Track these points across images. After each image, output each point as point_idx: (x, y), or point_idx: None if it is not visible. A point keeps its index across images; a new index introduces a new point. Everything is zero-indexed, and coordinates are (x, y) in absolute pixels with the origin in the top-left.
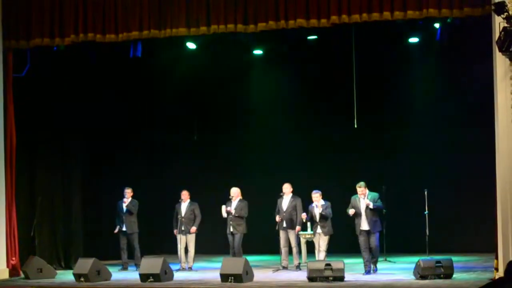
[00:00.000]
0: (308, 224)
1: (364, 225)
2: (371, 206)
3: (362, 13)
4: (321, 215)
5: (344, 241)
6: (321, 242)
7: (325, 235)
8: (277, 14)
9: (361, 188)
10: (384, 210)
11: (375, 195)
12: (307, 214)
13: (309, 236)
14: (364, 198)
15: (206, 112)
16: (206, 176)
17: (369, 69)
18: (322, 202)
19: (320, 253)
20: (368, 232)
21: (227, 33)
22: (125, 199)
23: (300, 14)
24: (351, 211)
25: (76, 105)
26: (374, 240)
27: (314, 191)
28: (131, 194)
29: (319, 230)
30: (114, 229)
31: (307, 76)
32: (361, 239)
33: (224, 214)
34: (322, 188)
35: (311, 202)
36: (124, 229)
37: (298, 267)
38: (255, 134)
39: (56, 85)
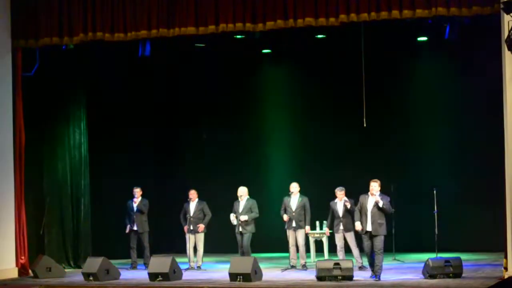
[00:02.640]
0: (317, 223)
1: (369, 226)
2: (380, 204)
3: (370, 12)
4: (346, 211)
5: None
6: (349, 239)
7: (348, 231)
8: (285, 13)
9: (376, 183)
10: (392, 210)
11: (386, 198)
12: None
13: (318, 235)
14: (374, 195)
15: (215, 111)
16: (215, 175)
17: (378, 68)
18: (345, 198)
19: (353, 250)
20: (371, 234)
21: (235, 32)
22: (135, 199)
23: (308, 13)
24: (357, 226)
25: (85, 104)
26: (378, 243)
27: (338, 188)
28: (141, 193)
29: (342, 227)
30: (125, 229)
31: (315, 75)
32: (364, 241)
33: (234, 222)
34: (331, 187)
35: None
36: (135, 228)
37: (304, 266)
38: (263, 133)
39: (65, 84)
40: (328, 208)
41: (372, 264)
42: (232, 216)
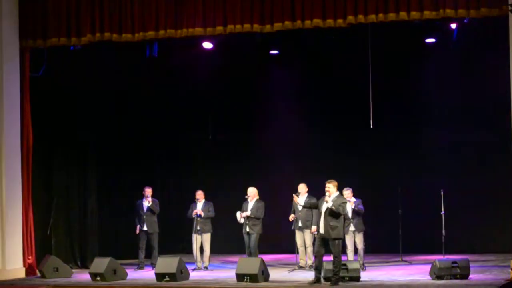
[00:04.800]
0: None
1: (321, 228)
2: (329, 205)
3: (378, 13)
4: (354, 212)
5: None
6: (357, 239)
7: (359, 232)
8: (293, 14)
9: (331, 184)
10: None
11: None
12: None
13: None
14: (328, 197)
15: (222, 112)
16: (222, 176)
17: (385, 69)
18: (353, 199)
19: (359, 250)
20: (323, 238)
21: (243, 33)
22: (148, 199)
23: (316, 14)
24: (313, 228)
25: (93, 104)
26: (334, 248)
27: (345, 188)
28: (151, 193)
29: (352, 228)
30: (135, 229)
31: (322, 77)
32: (316, 243)
33: (240, 220)
34: (339, 188)
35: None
36: (145, 228)
37: (311, 267)
38: (270, 134)
39: (72, 84)
40: None
41: (318, 268)
42: (238, 215)
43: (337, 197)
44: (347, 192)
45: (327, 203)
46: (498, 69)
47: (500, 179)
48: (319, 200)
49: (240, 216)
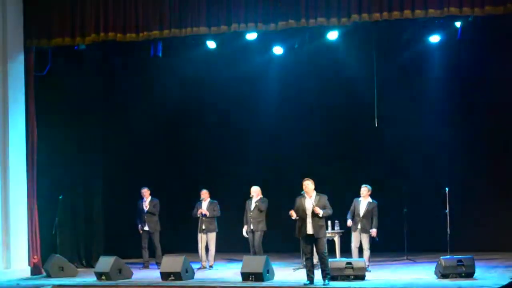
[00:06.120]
0: (329, 223)
1: (309, 229)
2: (320, 214)
3: (382, 12)
4: (367, 211)
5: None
6: (363, 240)
7: (364, 232)
8: (297, 13)
9: (309, 181)
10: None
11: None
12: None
13: (330, 234)
14: (310, 198)
15: (226, 111)
16: (226, 175)
17: (390, 68)
18: (369, 199)
19: (365, 251)
20: (312, 237)
21: (247, 32)
22: (145, 202)
23: (320, 13)
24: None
25: (97, 103)
26: (322, 247)
27: (364, 185)
28: (149, 193)
29: (359, 226)
30: (138, 229)
31: (327, 75)
32: (304, 245)
33: (245, 235)
34: (343, 187)
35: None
36: (146, 228)
37: (316, 265)
38: (275, 133)
39: (77, 84)
40: (341, 207)
41: (311, 269)
42: (244, 231)
43: (319, 196)
44: (364, 189)
45: (319, 214)
46: (502, 67)
47: (506, 177)
48: (296, 200)
49: (245, 230)
